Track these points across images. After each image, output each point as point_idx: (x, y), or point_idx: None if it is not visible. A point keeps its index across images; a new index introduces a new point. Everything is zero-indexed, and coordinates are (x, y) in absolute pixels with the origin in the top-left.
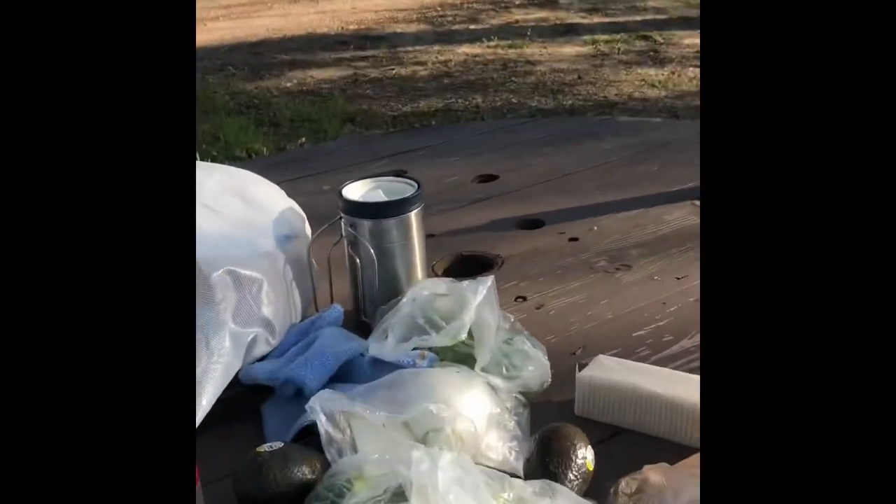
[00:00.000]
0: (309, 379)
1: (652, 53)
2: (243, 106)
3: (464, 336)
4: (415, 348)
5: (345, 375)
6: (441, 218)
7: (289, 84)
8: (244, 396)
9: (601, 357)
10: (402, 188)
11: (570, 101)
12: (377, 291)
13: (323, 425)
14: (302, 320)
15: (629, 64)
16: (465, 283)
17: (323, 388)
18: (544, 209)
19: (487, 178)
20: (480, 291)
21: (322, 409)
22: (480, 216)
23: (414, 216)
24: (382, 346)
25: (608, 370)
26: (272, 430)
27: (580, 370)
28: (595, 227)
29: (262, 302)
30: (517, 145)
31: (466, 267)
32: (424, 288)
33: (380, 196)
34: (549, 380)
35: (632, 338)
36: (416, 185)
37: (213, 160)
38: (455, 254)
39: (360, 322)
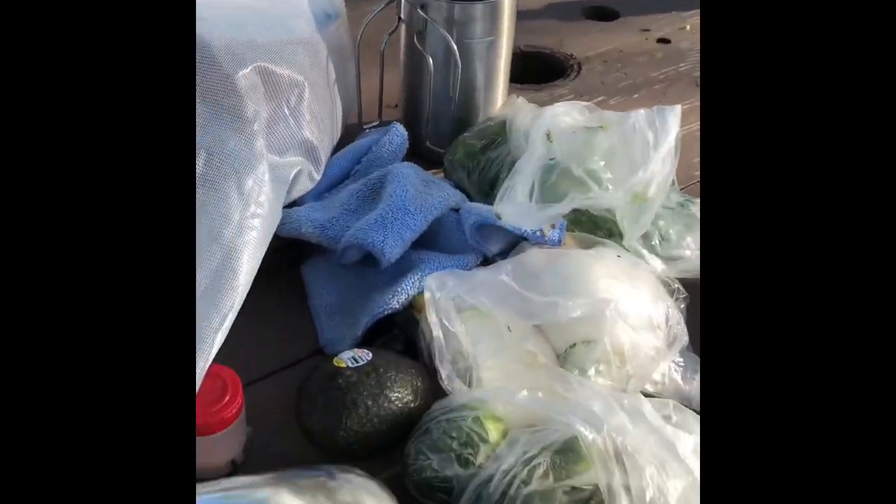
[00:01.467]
0: (389, 247)
1: None
2: None
3: (652, 191)
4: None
5: (430, 241)
6: None
7: None
8: (280, 254)
9: None
10: None
11: None
12: (454, 107)
13: (437, 328)
14: (341, 142)
15: None
16: (636, 113)
17: (403, 258)
18: None
19: None
20: (671, 128)
21: (441, 303)
22: None
23: (508, 3)
24: (517, 207)
25: None
26: (323, 306)
27: None
28: (688, 27)
29: (304, 117)
30: None
31: (529, 69)
32: (554, 114)
33: None
34: None
35: None
36: None
37: None
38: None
39: (426, 149)
